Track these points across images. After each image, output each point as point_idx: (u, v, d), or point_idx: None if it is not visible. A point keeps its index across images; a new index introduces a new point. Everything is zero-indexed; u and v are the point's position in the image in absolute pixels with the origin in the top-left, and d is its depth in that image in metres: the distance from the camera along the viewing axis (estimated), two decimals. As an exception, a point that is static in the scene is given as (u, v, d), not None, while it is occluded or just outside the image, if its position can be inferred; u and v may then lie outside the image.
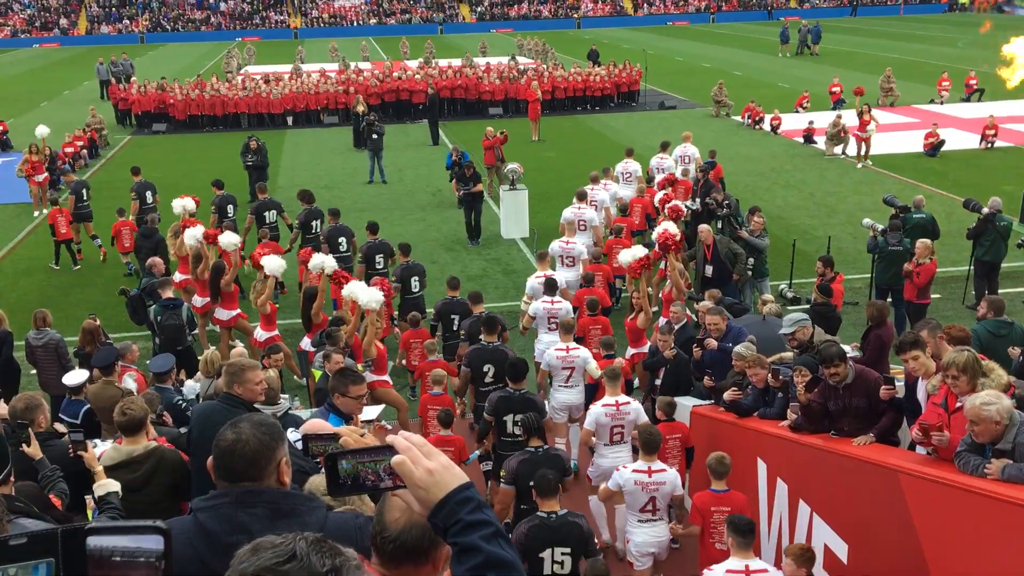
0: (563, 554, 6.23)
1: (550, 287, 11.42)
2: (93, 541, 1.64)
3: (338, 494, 2.13)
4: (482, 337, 9.81)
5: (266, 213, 15.40)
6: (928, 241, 12.52)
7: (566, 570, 6.24)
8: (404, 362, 11.51)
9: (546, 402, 9.47)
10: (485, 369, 9.59)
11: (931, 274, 12.33)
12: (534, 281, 11.93)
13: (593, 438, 8.43)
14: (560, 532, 6.25)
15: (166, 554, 1.66)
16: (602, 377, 8.85)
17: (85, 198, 17.55)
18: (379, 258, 13.34)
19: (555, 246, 13.47)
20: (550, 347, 10.08)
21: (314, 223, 14.94)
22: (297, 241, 14.84)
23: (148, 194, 17.16)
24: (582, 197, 15.10)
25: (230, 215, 15.86)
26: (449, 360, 10.96)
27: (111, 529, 1.66)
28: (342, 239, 14.03)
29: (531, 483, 6.57)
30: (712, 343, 9.33)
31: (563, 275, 12.86)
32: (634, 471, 7.24)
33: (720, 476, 7.08)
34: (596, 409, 8.37)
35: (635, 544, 7.39)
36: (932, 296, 12.96)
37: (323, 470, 2.20)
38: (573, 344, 9.82)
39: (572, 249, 13.40)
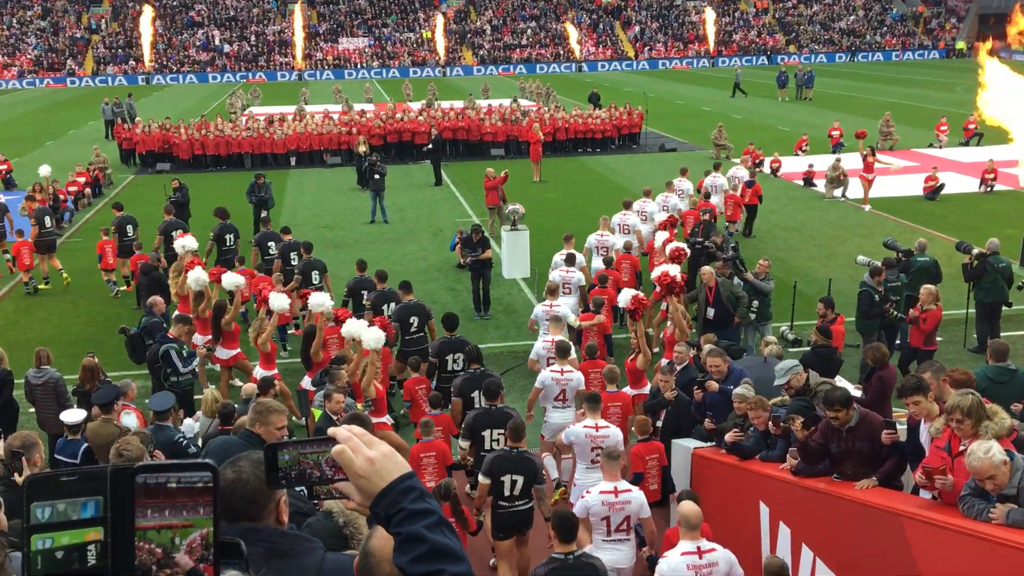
0: (499, 434, 8.53)
1: (569, 259, 13.83)
2: (143, 478, 1.66)
3: (277, 486, 2.08)
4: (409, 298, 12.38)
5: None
6: (932, 287, 12.45)
7: (500, 445, 8.36)
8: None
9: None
10: (411, 321, 12.06)
11: (937, 320, 12.29)
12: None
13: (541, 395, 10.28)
14: (498, 418, 8.61)
15: (214, 489, 1.69)
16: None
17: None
18: (315, 274, 14.59)
19: (591, 239, 15.62)
20: (540, 306, 12.35)
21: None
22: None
23: (46, 219, 18.70)
24: (628, 206, 17.28)
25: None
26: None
27: (160, 467, 1.69)
28: (293, 254, 15.61)
29: (475, 392, 9.26)
30: (713, 385, 9.29)
31: (597, 264, 14.94)
32: (584, 426, 8.86)
33: None
34: (545, 373, 10.29)
35: (580, 484, 8.81)
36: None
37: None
38: (557, 302, 12.22)
39: (606, 240, 15.50)
